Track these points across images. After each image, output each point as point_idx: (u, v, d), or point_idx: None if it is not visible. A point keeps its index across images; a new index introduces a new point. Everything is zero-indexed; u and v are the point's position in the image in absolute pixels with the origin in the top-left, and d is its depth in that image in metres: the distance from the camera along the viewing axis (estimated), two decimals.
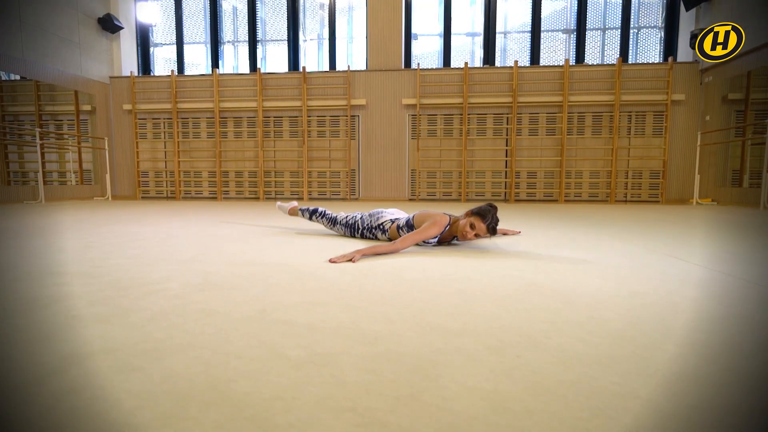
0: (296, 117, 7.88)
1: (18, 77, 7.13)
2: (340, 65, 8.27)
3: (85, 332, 1.03)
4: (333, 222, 2.86)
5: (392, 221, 2.58)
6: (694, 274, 1.71)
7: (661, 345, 0.96)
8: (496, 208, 2.31)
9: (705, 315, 1.19)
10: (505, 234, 2.90)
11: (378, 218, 2.66)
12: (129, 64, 8.48)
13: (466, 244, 2.50)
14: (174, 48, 8.86)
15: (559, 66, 7.26)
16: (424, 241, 2.40)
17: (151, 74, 8.62)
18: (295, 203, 3.29)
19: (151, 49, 8.94)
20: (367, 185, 7.84)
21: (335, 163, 7.86)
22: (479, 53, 8.08)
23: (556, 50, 7.80)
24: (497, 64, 7.86)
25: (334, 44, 8.33)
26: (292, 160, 7.94)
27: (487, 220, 2.24)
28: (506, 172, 7.49)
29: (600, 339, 1.00)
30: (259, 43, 8.78)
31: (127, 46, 8.45)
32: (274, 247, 2.32)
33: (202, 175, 8.19)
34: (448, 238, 2.44)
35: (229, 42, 9.12)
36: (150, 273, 1.67)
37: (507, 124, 7.43)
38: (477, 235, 2.27)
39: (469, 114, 7.48)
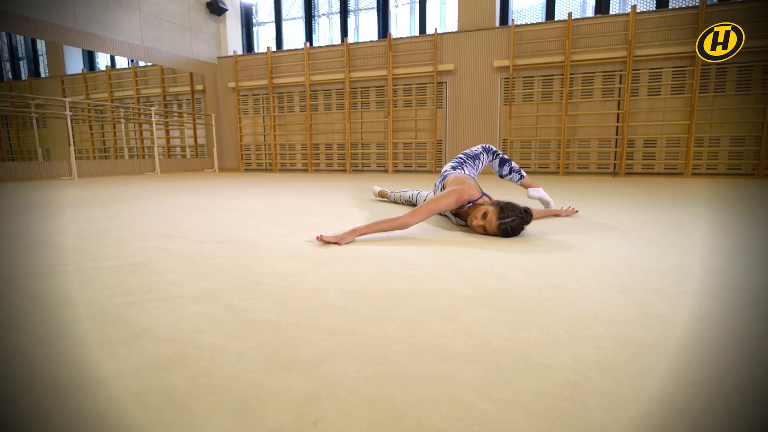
0: (382, 87, 7.65)
1: (149, 64, 8.04)
2: (432, 30, 7.77)
3: None
4: (494, 156, 2.56)
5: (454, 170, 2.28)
6: None
7: None
8: (529, 216, 1.82)
9: None
10: (557, 215, 2.37)
11: (469, 173, 2.37)
12: (234, 44, 9.02)
13: None
14: (274, 26, 9.19)
15: (692, 7, 5.85)
16: (454, 214, 2.07)
17: (254, 52, 9.08)
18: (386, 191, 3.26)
19: (254, 28, 9.39)
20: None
21: (421, 133, 7.51)
22: (591, 2, 6.90)
23: None
24: (611, 11, 6.65)
25: (425, 7, 7.84)
26: (378, 131, 7.79)
27: (505, 217, 1.78)
28: (617, 140, 6.39)
29: (482, 425, 0.63)
30: (352, 13, 8.66)
31: (232, 27, 8.98)
32: (274, 224, 2.17)
33: (296, 148, 8.49)
34: (465, 215, 2.05)
35: (324, 15, 9.17)
36: (107, 249, 1.63)
37: (620, 83, 6.28)
38: (484, 228, 1.85)
39: (572, 74, 6.49)
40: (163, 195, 3.74)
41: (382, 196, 3.18)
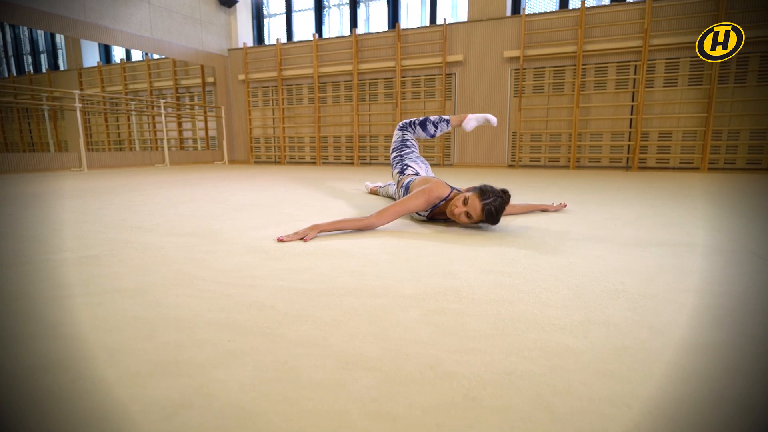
0: (391, 78, 7.56)
1: (164, 56, 8.10)
2: (442, 20, 7.62)
3: None
4: (404, 129, 2.48)
5: (414, 174, 2.20)
6: None
7: None
8: (508, 197, 1.77)
9: None
10: (545, 210, 2.28)
11: (414, 161, 2.29)
12: (244, 36, 9.02)
13: (461, 225, 1.98)
14: (284, 17, 9.15)
15: None
16: (418, 213, 1.98)
17: (264, 44, 9.06)
18: (378, 184, 3.14)
19: (265, 20, 9.37)
20: (462, 150, 7.23)
21: None
22: None
23: None
24: None
25: None
26: (387, 123, 7.70)
27: (487, 198, 1.71)
28: (630, 133, 6.17)
29: None
30: (362, 4, 8.55)
31: (242, 18, 8.98)
32: (251, 217, 2.14)
33: (304, 141, 8.47)
34: (442, 216, 1.97)
35: (334, 6, 9.09)
36: (71, 241, 1.62)
37: (635, 73, 6.05)
38: (468, 216, 1.76)
39: (584, 65, 6.28)
40: (161, 187, 3.75)
41: (373, 192, 3.12)
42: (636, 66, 6.05)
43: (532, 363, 0.72)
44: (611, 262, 1.33)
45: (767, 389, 0.64)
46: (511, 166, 6.95)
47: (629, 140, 6.21)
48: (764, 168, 5.60)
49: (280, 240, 1.61)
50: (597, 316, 0.91)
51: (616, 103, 6.19)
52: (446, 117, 2.40)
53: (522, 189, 3.53)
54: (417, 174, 2.21)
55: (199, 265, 1.29)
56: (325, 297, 1.03)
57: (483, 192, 1.73)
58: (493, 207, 1.71)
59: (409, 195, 1.85)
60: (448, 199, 1.88)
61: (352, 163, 8.06)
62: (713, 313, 0.92)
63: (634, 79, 6.07)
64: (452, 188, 1.91)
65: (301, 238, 1.62)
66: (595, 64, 6.25)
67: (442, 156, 7.31)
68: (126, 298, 1.02)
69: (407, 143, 2.38)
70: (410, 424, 0.56)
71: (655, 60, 5.94)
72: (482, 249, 1.50)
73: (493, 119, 2.32)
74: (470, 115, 2.36)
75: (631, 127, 6.17)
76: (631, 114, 6.15)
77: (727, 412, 0.58)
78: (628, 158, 6.27)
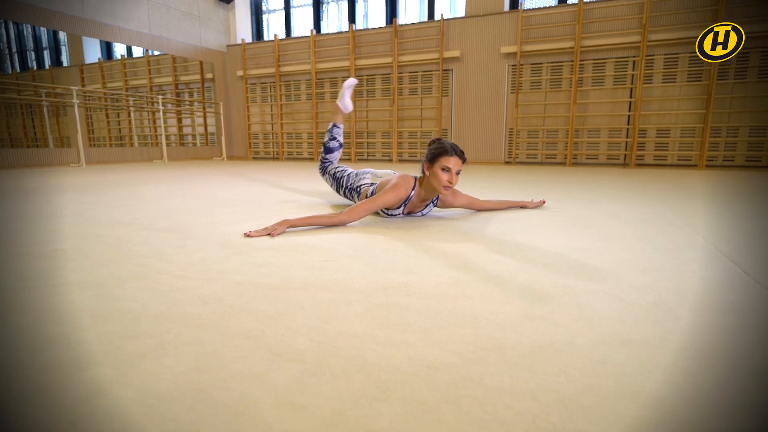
0: (388, 75, 7.55)
1: (163, 53, 8.14)
2: (440, 16, 7.59)
3: None
4: (324, 170, 2.52)
5: (370, 185, 2.19)
6: None
7: None
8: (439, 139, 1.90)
9: None
10: (523, 207, 2.28)
11: (360, 178, 2.30)
12: (243, 32, 9.03)
13: (435, 213, 1.99)
14: (283, 13, 9.15)
15: None
16: (386, 212, 1.98)
17: (262, 40, 9.07)
18: None
19: (264, 15, 9.38)
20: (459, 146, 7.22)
21: (426, 122, 7.38)
22: None
23: None
24: None
25: None
26: (384, 120, 7.70)
27: (450, 151, 1.80)
28: (628, 129, 6.14)
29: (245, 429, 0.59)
30: None
31: (241, 15, 8.99)
32: (230, 212, 2.16)
33: (302, 137, 8.49)
34: (418, 206, 1.98)
35: (333, 1, 9.08)
36: (46, 234, 1.64)
37: (633, 69, 6.01)
38: (458, 174, 1.81)
39: (582, 60, 6.24)
40: (153, 182, 3.78)
41: None
42: (634, 62, 6.01)
43: (455, 356, 0.73)
44: (570, 259, 1.33)
45: (682, 387, 0.64)
46: (507, 162, 6.93)
47: (627, 137, 6.17)
48: (764, 165, 5.55)
49: (247, 235, 1.62)
50: (537, 312, 0.91)
51: (614, 99, 6.15)
52: (330, 124, 2.48)
53: (514, 186, 3.52)
54: (373, 183, 2.18)
55: (163, 259, 1.31)
56: (277, 291, 1.04)
57: (443, 150, 1.81)
58: (456, 147, 1.83)
59: (380, 192, 1.86)
60: (416, 188, 1.89)
61: (349, 159, 8.07)
62: (654, 310, 0.92)
63: (632, 75, 6.03)
64: (415, 178, 1.92)
65: (269, 234, 1.63)
66: (593, 60, 6.21)
67: None
68: (81, 290, 1.04)
69: (337, 174, 2.35)
70: (316, 413, 0.58)
71: (653, 56, 5.89)
72: (448, 245, 1.50)
73: (352, 80, 2.46)
74: (337, 102, 2.46)
75: (628, 124, 6.14)
76: (629, 110, 6.11)
77: (639, 405, 0.59)
78: (625, 155, 6.23)
